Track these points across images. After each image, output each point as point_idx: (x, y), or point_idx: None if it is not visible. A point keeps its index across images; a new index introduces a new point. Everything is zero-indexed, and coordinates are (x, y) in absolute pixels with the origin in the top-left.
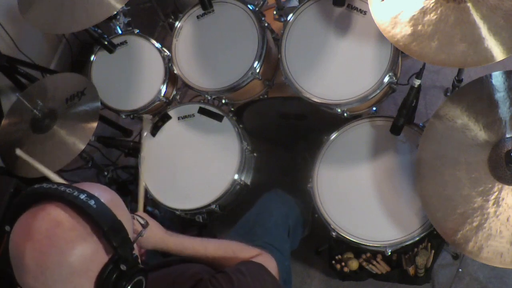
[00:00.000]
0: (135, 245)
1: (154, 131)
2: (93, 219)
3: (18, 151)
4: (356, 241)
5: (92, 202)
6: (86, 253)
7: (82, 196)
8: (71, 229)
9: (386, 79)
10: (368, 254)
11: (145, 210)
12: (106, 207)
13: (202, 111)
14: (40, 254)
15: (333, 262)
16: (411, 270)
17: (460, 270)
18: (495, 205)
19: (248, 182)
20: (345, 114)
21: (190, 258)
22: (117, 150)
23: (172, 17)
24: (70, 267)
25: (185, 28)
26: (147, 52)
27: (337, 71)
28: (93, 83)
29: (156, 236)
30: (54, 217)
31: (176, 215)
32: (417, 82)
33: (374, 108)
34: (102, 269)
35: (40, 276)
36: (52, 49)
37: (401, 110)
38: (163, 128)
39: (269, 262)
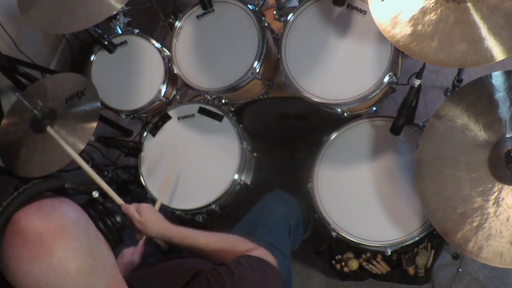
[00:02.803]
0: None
1: (154, 131)
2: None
3: (49, 128)
4: (356, 241)
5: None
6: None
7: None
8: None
9: (386, 79)
10: (368, 254)
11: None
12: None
13: (202, 111)
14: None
15: (333, 262)
16: (411, 270)
17: (460, 270)
18: (495, 205)
19: (248, 182)
20: (345, 114)
21: (190, 248)
22: (117, 150)
23: (172, 17)
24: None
25: (185, 28)
26: (147, 52)
27: (337, 71)
28: (93, 83)
29: (157, 224)
30: (21, 228)
31: (176, 215)
32: (417, 82)
33: (374, 108)
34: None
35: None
36: (52, 49)
37: (401, 110)
38: (163, 128)
39: (267, 256)
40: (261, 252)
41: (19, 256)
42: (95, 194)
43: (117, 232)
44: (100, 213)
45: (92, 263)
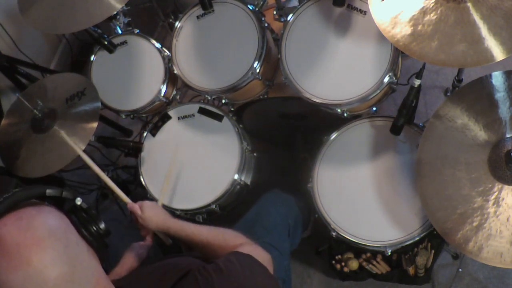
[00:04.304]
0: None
1: (154, 131)
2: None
3: (56, 128)
4: (356, 241)
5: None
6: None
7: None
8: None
9: (386, 79)
10: (368, 254)
11: None
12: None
13: (202, 111)
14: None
15: (333, 262)
16: (411, 270)
17: (460, 270)
18: (495, 205)
19: (248, 182)
20: (345, 114)
21: (185, 239)
22: (117, 150)
23: (172, 17)
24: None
25: (185, 28)
26: (147, 52)
27: (337, 71)
28: (93, 83)
29: (158, 217)
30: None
31: (176, 215)
32: (417, 82)
33: (374, 108)
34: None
35: None
36: (52, 49)
37: (401, 110)
38: (163, 128)
39: (259, 252)
40: (252, 248)
41: None
42: (78, 201)
43: (101, 238)
44: (83, 220)
45: (71, 271)
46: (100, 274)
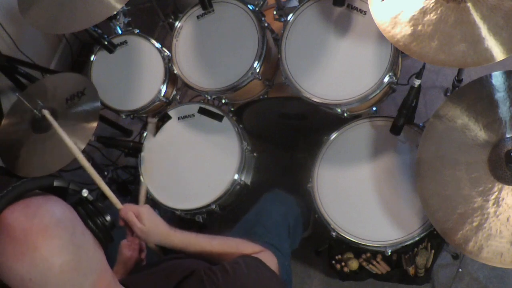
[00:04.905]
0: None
1: (154, 131)
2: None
3: (45, 112)
4: (356, 241)
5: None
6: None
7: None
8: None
9: (386, 79)
10: (368, 254)
11: None
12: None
13: (202, 111)
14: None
15: (333, 262)
16: (411, 270)
17: (460, 270)
18: (495, 205)
19: (248, 182)
20: (345, 114)
21: (194, 254)
22: (117, 150)
23: (172, 17)
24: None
25: (185, 28)
26: (147, 52)
27: (337, 71)
28: (93, 83)
29: (160, 231)
30: (7, 224)
31: (176, 215)
32: (417, 82)
33: (374, 108)
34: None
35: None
36: (52, 49)
37: (401, 110)
38: (163, 128)
39: (269, 259)
40: (264, 255)
41: (4, 251)
42: (85, 193)
43: (106, 231)
44: (89, 212)
45: (76, 260)
46: (105, 266)
